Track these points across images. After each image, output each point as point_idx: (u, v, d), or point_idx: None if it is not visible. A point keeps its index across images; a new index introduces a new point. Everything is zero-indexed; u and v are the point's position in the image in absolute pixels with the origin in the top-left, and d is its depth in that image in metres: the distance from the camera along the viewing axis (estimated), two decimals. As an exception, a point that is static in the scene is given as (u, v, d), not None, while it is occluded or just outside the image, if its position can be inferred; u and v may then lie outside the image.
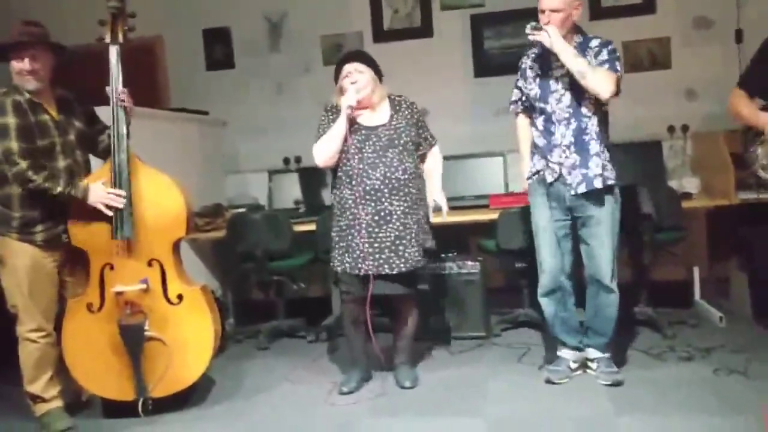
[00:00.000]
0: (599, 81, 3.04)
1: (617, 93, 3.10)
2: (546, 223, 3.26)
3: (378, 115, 3.33)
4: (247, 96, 5.29)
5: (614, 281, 3.20)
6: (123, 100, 3.12)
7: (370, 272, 3.19)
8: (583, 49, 3.15)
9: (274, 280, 4.33)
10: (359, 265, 3.22)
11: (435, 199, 3.38)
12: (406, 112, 3.34)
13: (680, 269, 4.51)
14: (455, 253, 4.19)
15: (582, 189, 3.14)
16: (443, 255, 4.13)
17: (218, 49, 5.35)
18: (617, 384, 3.21)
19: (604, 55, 3.13)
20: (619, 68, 3.12)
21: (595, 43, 3.18)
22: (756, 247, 4.03)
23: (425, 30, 5.08)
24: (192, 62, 5.36)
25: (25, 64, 3.02)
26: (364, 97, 3.26)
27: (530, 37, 3.10)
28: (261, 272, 4.24)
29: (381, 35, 5.11)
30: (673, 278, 4.53)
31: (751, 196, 3.98)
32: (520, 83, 3.35)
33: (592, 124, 3.17)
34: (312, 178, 4.74)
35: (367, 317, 3.23)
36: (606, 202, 3.17)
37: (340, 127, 3.23)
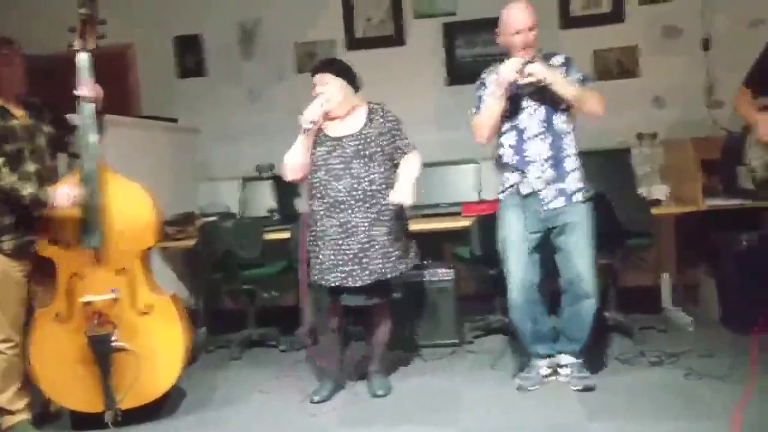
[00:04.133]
0: (595, 103, 3.11)
1: None
2: (517, 237, 3.25)
3: (347, 125, 3.28)
4: (220, 103, 5.26)
5: (593, 287, 3.21)
6: (93, 101, 3.07)
7: (334, 284, 3.18)
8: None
9: (246, 289, 4.30)
10: (325, 277, 3.20)
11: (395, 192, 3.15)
12: (380, 121, 3.29)
13: (650, 275, 4.57)
14: (429, 261, 4.19)
15: (559, 204, 3.18)
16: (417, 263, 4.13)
17: (190, 56, 5.32)
18: (589, 389, 3.23)
19: (576, 74, 3.17)
20: (594, 87, 3.20)
21: (557, 61, 3.21)
22: (723, 253, 4.08)
23: (398, 38, 5.10)
24: (163, 69, 5.32)
25: None
26: (331, 108, 3.22)
27: (523, 80, 3.05)
28: (232, 281, 4.21)
29: (354, 43, 5.11)
30: (643, 284, 4.59)
31: (718, 203, 4.05)
32: (482, 95, 3.28)
33: (570, 139, 3.19)
34: (286, 185, 4.63)
35: (336, 328, 3.22)
36: (581, 208, 3.20)
37: (301, 140, 3.19)
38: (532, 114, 3.18)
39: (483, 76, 3.32)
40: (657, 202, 4.21)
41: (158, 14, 5.27)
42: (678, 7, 4.80)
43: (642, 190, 4.36)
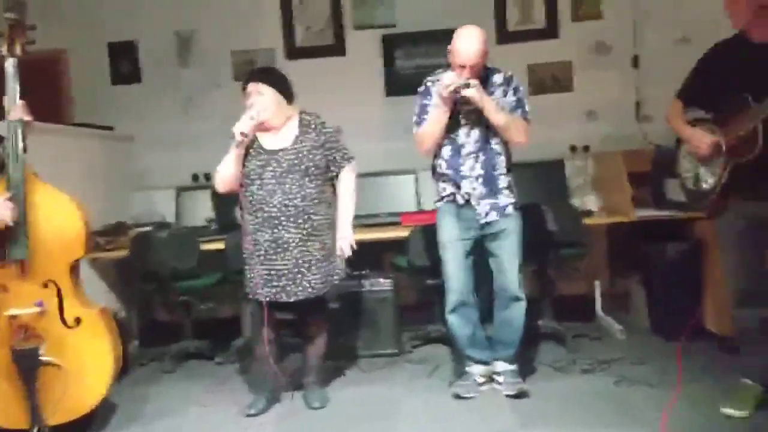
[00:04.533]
0: (519, 134, 3.21)
1: None
2: (453, 242, 3.32)
3: (282, 138, 3.24)
4: (155, 111, 5.16)
5: (521, 290, 3.32)
6: (19, 114, 2.97)
7: (266, 299, 3.16)
8: (487, 86, 3.21)
9: (181, 301, 4.20)
10: (258, 291, 3.18)
11: (339, 243, 3.28)
12: (313, 134, 3.25)
13: (583, 284, 4.69)
14: (367, 271, 4.20)
15: (492, 218, 3.26)
16: (355, 273, 4.13)
17: (125, 62, 5.20)
18: (522, 394, 3.29)
19: (513, 97, 3.24)
20: (528, 111, 3.27)
21: (498, 79, 3.26)
22: (652, 262, 4.21)
23: (338, 48, 5.11)
24: (97, 76, 5.19)
25: None
26: (264, 119, 3.18)
27: (462, 92, 3.08)
28: (166, 292, 4.12)
29: (293, 52, 5.10)
30: (577, 293, 4.70)
31: (648, 214, 4.19)
32: (426, 103, 3.32)
33: (502, 159, 3.26)
34: (226, 194, 4.63)
35: (265, 341, 3.19)
36: (513, 218, 3.29)
37: (234, 153, 3.15)
38: (468, 132, 3.24)
39: (427, 84, 3.33)
40: (589, 213, 4.33)
41: (92, 20, 5.14)
42: (609, 25, 4.96)
43: (575, 201, 4.48)
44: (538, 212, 3.82)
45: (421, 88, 3.35)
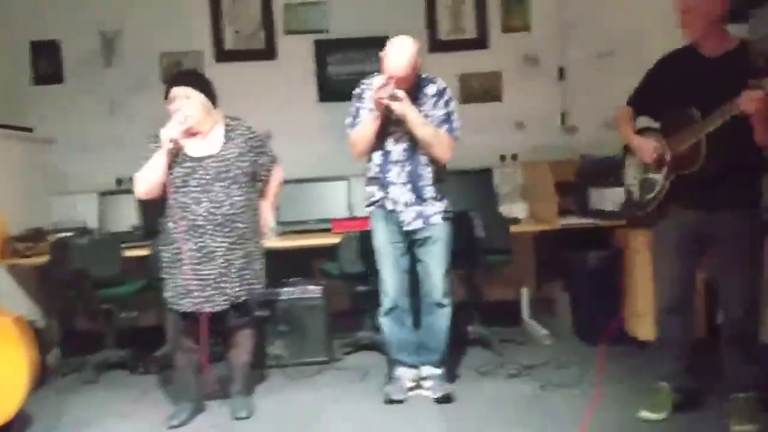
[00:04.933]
0: (443, 150, 3.21)
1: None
2: (386, 245, 3.35)
3: (208, 144, 3.17)
4: (78, 113, 4.97)
5: (447, 297, 3.35)
6: None
7: (189, 309, 3.09)
8: (419, 97, 3.22)
9: (103, 309, 4.06)
10: (180, 302, 3.11)
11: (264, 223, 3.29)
12: (240, 140, 3.20)
13: (510, 290, 4.76)
14: (297, 278, 4.16)
15: (415, 226, 3.28)
16: (284, 280, 4.09)
17: (46, 62, 5.00)
18: (448, 398, 3.32)
19: (443, 111, 3.24)
20: (456, 127, 3.27)
21: (431, 90, 3.27)
22: (576, 269, 4.32)
23: (269, 52, 5.04)
24: (16, 76, 4.97)
25: None
26: (192, 125, 3.10)
27: (388, 102, 3.08)
28: (88, 300, 3.98)
29: (223, 55, 5.02)
30: (504, 298, 4.77)
31: (572, 222, 4.30)
32: (360, 106, 3.32)
33: (429, 170, 3.27)
34: (150, 200, 4.51)
35: (188, 350, 3.14)
36: (440, 226, 3.32)
37: (160, 159, 3.05)
38: (396, 140, 3.25)
39: (361, 87, 3.33)
40: (516, 221, 4.42)
41: (12, 17, 4.92)
42: (537, 38, 5.06)
43: (503, 209, 4.56)
44: (467, 219, 3.87)
45: (357, 91, 3.35)
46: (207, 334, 3.11)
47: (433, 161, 3.28)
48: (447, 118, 3.26)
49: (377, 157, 3.30)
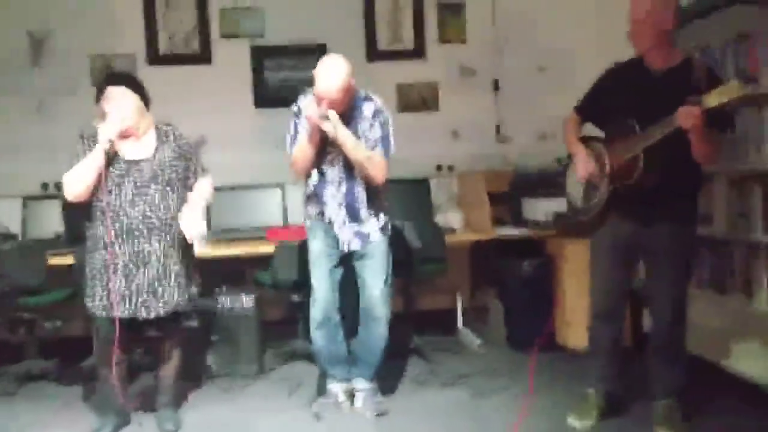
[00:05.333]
0: (375, 171, 3.15)
1: None
2: (320, 257, 3.29)
3: (142, 147, 3.09)
4: (2, 114, 4.77)
5: (383, 310, 3.30)
6: None
7: (124, 315, 2.99)
8: (354, 116, 3.17)
9: (25, 318, 3.90)
10: (110, 309, 3.00)
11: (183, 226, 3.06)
12: (173, 145, 3.13)
13: (445, 299, 4.79)
14: (229, 287, 4.08)
15: (354, 246, 3.24)
16: (217, 289, 4.01)
17: (-32, 61, 4.80)
18: (382, 414, 3.30)
19: (378, 133, 3.18)
20: (391, 147, 3.23)
21: (368, 110, 3.19)
22: (509, 278, 4.38)
23: (204, 56, 4.96)
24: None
25: None
26: (128, 126, 3.02)
27: (321, 124, 2.99)
28: (8, 309, 3.82)
29: (156, 58, 4.91)
30: (439, 307, 4.80)
31: (506, 232, 4.36)
32: (298, 123, 3.24)
33: (365, 192, 3.23)
34: (77, 205, 4.36)
35: (112, 360, 3.01)
36: (379, 242, 3.29)
37: (96, 159, 2.95)
38: (332, 160, 3.21)
39: (298, 103, 3.25)
40: (452, 230, 4.45)
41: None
42: (473, 50, 5.14)
43: (439, 219, 4.59)
44: (403, 229, 3.87)
45: (294, 108, 3.26)
46: (126, 343, 3.01)
47: (368, 182, 3.24)
48: (382, 141, 3.20)
49: (315, 175, 3.25)
